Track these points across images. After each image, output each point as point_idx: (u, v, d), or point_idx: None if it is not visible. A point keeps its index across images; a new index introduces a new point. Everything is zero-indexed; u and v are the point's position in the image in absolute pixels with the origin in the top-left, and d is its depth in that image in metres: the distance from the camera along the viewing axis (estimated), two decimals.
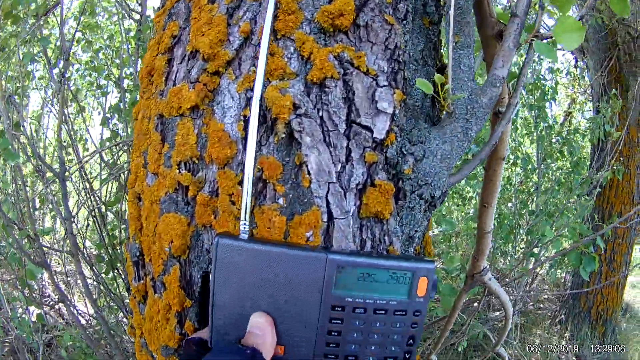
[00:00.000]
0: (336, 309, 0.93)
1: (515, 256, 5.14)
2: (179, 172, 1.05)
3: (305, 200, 0.98)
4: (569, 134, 5.32)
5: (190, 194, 1.05)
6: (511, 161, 5.22)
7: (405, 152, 1.05)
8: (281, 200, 0.99)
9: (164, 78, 1.13)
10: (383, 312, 0.95)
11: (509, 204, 5.19)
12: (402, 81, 1.06)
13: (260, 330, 0.89)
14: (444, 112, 1.12)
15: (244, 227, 0.94)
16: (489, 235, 1.47)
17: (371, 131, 1.01)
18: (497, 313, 5.87)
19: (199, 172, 1.05)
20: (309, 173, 0.98)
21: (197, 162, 1.05)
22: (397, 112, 1.03)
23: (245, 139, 0.99)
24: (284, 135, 0.98)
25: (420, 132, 1.08)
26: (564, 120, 6.38)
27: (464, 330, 2.58)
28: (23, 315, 3.24)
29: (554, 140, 5.30)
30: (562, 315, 5.82)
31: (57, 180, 2.86)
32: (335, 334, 0.94)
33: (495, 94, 1.13)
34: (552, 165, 5.68)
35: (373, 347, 0.96)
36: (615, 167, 4.41)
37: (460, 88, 1.12)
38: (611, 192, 5.37)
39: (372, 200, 1.01)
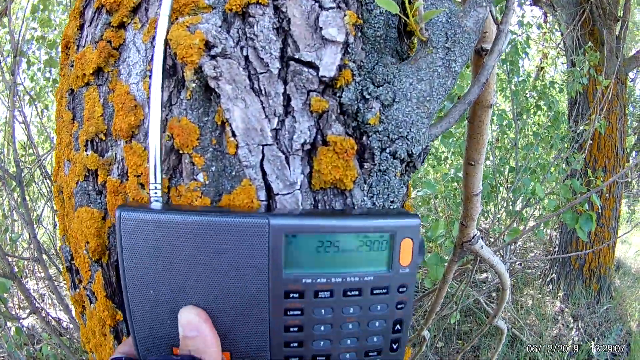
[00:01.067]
0: (291, 295, 0.69)
1: (498, 216, 4.92)
2: (86, 154, 0.82)
3: (234, 173, 0.72)
4: (545, 87, 5.09)
5: (100, 180, 0.82)
6: None
7: (367, 97, 0.75)
8: (201, 177, 0.72)
9: (75, 47, 0.90)
10: (357, 292, 0.71)
11: (487, 162, 4.96)
12: (356, 4, 0.78)
13: (196, 331, 0.66)
14: (416, 42, 0.82)
15: (155, 193, 0.70)
16: (477, 198, 1.20)
17: (316, 68, 0.72)
18: (485, 275, 5.68)
19: (109, 152, 0.81)
20: (233, 134, 0.71)
21: (104, 138, 0.82)
22: (351, 40, 0.74)
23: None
24: (194, 85, 0.71)
25: (387, 69, 0.78)
26: (537, 76, 6.20)
27: (455, 300, 2.32)
28: (4, 330, 2.98)
29: (528, 95, 5.09)
30: (554, 274, 5.62)
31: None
32: (295, 329, 0.71)
33: (482, 17, 0.84)
34: (528, 120, 5.52)
35: (349, 341, 0.74)
36: (599, 122, 4.16)
37: (435, 9, 0.82)
38: (594, 146, 5.15)
39: (327, 164, 0.72)
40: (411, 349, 1.81)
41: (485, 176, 4.52)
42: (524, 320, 4.80)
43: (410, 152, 0.77)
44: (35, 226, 2.55)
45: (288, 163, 0.71)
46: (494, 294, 5.07)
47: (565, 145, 4.64)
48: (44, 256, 2.67)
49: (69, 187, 0.87)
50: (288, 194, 0.71)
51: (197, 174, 0.71)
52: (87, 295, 0.88)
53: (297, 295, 0.68)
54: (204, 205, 0.72)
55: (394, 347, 0.75)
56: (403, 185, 0.80)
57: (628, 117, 5.48)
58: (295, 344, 0.70)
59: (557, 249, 5.74)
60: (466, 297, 3.80)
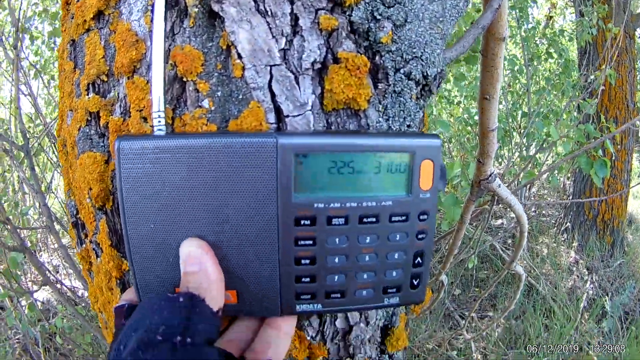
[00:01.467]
0: (302, 222, 0.63)
1: (513, 160, 4.88)
2: (88, 97, 0.79)
3: (241, 97, 0.67)
4: (554, 35, 5.01)
5: (103, 122, 0.78)
6: None
7: (378, 17, 0.70)
8: (206, 103, 0.68)
9: (76, 0, 0.84)
10: (374, 219, 0.65)
11: (500, 106, 4.91)
12: None
13: (197, 265, 0.60)
14: None
15: (159, 122, 0.65)
16: (493, 134, 1.16)
17: None
18: (500, 221, 5.64)
19: (111, 92, 0.77)
20: (239, 57, 0.66)
21: (106, 79, 0.77)
22: None
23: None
24: (197, 10, 0.67)
25: None
26: (546, 24, 6.12)
27: (472, 245, 2.28)
28: (17, 308, 2.95)
29: (538, 42, 5.01)
30: (568, 223, 5.58)
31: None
32: (307, 261, 0.65)
33: None
34: (539, 67, 5.45)
35: (365, 275, 0.68)
36: (610, 68, 4.08)
37: None
38: (605, 96, 5.08)
39: (339, 82, 0.67)
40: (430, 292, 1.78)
41: (499, 120, 4.46)
42: (539, 269, 4.78)
43: (426, 74, 0.73)
44: (45, 195, 2.53)
45: (298, 83, 0.67)
46: (509, 241, 5.05)
47: (577, 93, 4.57)
48: (56, 225, 2.65)
49: (72, 136, 0.83)
50: (299, 115, 0.67)
51: (202, 101, 0.67)
52: (93, 249, 0.85)
53: (308, 222, 0.63)
54: (213, 131, 0.68)
55: (415, 283, 0.70)
56: (419, 110, 0.76)
57: (637, 73, 5.40)
58: (307, 279, 0.65)
59: (570, 198, 5.71)
60: (482, 243, 3.76)
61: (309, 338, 0.78)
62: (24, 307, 2.94)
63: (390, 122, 0.73)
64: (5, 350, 3.29)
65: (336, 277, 0.66)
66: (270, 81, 0.66)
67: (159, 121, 0.64)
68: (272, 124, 0.67)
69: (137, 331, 0.52)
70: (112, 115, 0.76)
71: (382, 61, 0.70)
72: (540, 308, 4.16)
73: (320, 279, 0.66)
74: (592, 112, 3.69)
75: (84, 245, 0.89)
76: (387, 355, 0.88)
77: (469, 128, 4.90)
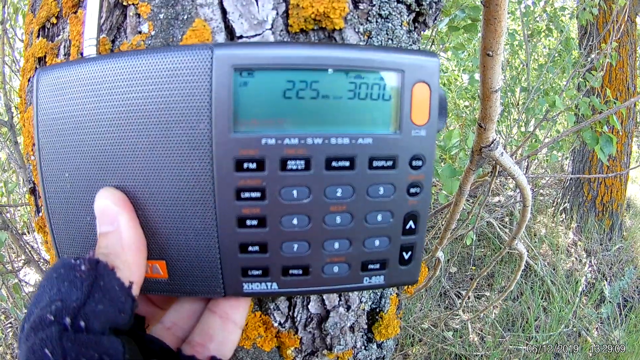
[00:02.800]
0: (246, 166, 0.46)
1: (511, 136, 4.76)
2: (36, 42, 0.70)
3: (186, 17, 0.53)
4: (555, 11, 4.88)
5: None
6: None
7: None
8: (146, 27, 0.54)
9: None
10: (347, 163, 0.47)
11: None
12: None
13: (110, 224, 0.45)
14: None
15: (90, 49, 0.50)
16: (496, 96, 1.00)
17: None
18: (497, 198, 5.50)
19: (60, 35, 0.66)
20: None
21: (55, 22, 0.66)
22: None
23: None
24: None
25: None
26: (546, 1, 6.02)
27: (470, 221, 2.12)
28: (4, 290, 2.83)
29: (538, 18, 4.95)
30: (567, 204, 5.47)
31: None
32: (254, 223, 0.47)
33: None
34: (539, 43, 5.34)
35: (337, 245, 0.49)
36: (615, 41, 3.93)
37: None
38: (605, 77, 4.95)
39: None
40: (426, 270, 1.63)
41: None
42: (537, 249, 4.65)
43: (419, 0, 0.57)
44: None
45: None
46: (506, 219, 4.92)
47: (578, 72, 4.46)
48: None
49: (24, 91, 0.73)
50: (255, 35, 0.52)
51: (142, 25, 0.54)
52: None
53: (254, 165, 0.45)
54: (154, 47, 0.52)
55: (406, 256, 0.52)
56: (413, 44, 0.61)
57: (638, 57, 5.28)
58: (256, 247, 0.48)
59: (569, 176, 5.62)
60: (480, 219, 3.63)
61: (276, 325, 0.65)
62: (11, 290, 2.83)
63: None
64: None
65: (295, 246, 0.49)
66: None
67: (90, 49, 0.50)
68: None
69: (37, 306, 0.39)
70: (57, 57, 0.66)
71: None
72: (538, 289, 4.04)
73: (274, 247, 0.49)
74: (597, 85, 3.54)
75: (40, 214, 0.77)
76: (375, 344, 0.73)
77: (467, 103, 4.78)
